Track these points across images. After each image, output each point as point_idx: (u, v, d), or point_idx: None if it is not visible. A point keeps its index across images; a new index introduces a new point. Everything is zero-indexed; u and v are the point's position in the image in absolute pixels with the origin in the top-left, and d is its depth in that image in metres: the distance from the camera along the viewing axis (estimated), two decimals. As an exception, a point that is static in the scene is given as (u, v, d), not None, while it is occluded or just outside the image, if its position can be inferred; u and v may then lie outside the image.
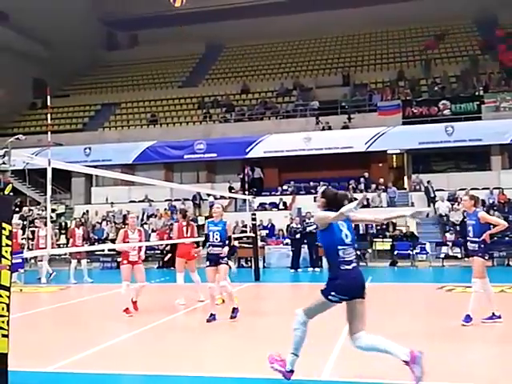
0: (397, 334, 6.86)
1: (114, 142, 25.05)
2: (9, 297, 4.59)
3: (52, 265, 15.74)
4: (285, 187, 23.19)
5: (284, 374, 4.75)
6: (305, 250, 16.88)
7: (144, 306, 8.57)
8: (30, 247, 16.53)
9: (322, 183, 22.61)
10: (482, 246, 7.17)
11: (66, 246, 14.56)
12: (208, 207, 21.72)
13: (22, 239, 14.81)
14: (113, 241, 19.71)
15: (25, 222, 20.96)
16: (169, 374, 5.26)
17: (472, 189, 17.71)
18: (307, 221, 17.14)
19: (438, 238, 18.43)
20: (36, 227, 13.94)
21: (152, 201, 23.41)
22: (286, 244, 17.88)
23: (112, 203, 23.67)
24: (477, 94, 23.28)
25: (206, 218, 17.39)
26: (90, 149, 24.75)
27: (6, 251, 4.60)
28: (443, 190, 20.84)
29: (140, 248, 8.93)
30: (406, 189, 23.03)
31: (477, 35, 30.53)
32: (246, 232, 16.86)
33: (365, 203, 20.61)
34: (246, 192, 19.52)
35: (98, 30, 37.01)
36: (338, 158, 21.92)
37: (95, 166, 16.35)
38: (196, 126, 26.19)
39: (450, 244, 17.54)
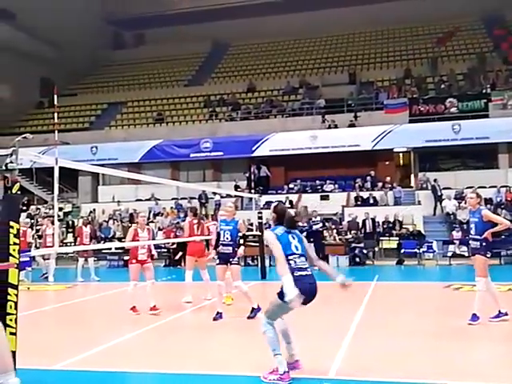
0: (403, 332, 6.85)
1: (121, 140, 25.12)
2: (17, 295, 4.61)
3: (59, 263, 15.81)
4: (291, 186, 23.17)
5: (282, 379, 4.72)
6: (311, 247, 16.85)
7: (147, 304, 8.59)
8: (38, 245, 16.61)
9: (328, 181, 22.65)
10: (484, 244, 7.12)
11: (75, 244, 14.60)
12: (214, 205, 21.79)
13: (32, 237, 14.89)
14: (120, 239, 19.78)
15: (32, 221, 21.08)
16: (173, 372, 5.28)
17: (479, 187, 17.65)
18: (313, 219, 17.13)
19: (445, 237, 18.35)
20: (43, 225, 14.02)
21: (158, 199, 23.46)
22: (293, 242, 17.83)
23: (119, 202, 23.74)
24: (484, 91, 23.16)
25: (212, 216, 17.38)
26: (96, 148, 24.83)
27: (14, 250, 4.62)
28: (450, 189, 20.77)
29: (149, 247, 8.95)
30: (412, 187, 22.95)
31: (484, 33, 30.37)
32: (252, 230, 16.87)
33: (371, 201, 20.59)
34: (252, 190, 19.54)
35: (105, 30, 37.10)
36: (344, 157, 21.86)
37: (102, 165, 16.42)
38: (202, 125, 26.21)
39: (457, 242, 17.47)
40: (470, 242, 7.42)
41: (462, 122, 21.15)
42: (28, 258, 11.96)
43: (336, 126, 23.23)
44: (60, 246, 14.24)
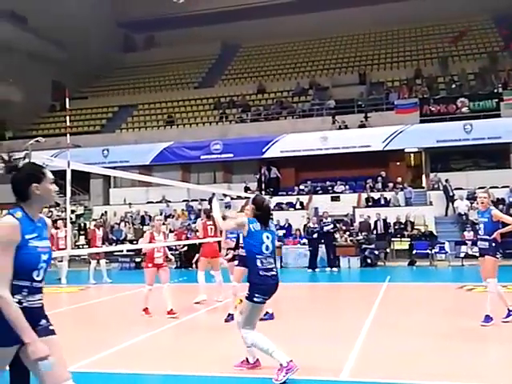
0: (416, 333, 6.82)
1: (132, 143, 25.24)
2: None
3: (71, 265, 15.92)
4: (301, 187, 23.14)
5: (290, 369, 4.74)
6: (322, 249, 16.83)
7: (163, 306, 8.61)
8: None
9: (338, 182, 22.59)
10: (493, 244, 7.05)
11: (88, 246, 14.69)
12: (224, 207, 21.80)
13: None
14: (131, 241, 19.88)
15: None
16: (186, 373, 5.29)
17: (491, 187, 17.47)
18: (324, 220, 17.09)
19: (458, 237, 18.22)
20: (56, 228, 14.10)
21: (169, 201, 23.54)
22: (304, 244, 17.83)
23: (130, 204, 23.86)
24: (495, 91, 22.98)
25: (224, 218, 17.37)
26: (107, 150, 24.97)
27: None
28: (462, 189, 20.61)
29: (165, 250, 8.97)
30: (424, 188, 22.82)
31: (495, 32, 30.14)
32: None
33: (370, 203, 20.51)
34: (263, 192, 19.55)
35: (115, 33, 37.35)
36: (354, 157, 21.80)
37: (113, 168, 16.53)
38: (212, 127, 26.27)
39: (469, 243, 17.33)
40: (479, 242, 7.35)
41: (473, 121, 21.00)
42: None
43: (346, 127, 23.17)
44: (72, 248, 14.34)
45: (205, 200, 22.69)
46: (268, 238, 5.01)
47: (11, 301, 2.59)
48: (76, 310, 10.16)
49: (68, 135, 6.64)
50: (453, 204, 20.15)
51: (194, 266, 16.39)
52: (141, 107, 30.32)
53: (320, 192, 22.59)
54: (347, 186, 22.49)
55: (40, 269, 2.77)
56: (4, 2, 27.26)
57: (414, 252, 17.48)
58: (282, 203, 21.88)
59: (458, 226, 19.31)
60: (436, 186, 21.38)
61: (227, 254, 9.07)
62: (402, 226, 19.02)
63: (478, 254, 7.53)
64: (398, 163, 23.64)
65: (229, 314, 7.86)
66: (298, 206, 21.55)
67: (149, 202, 24.46)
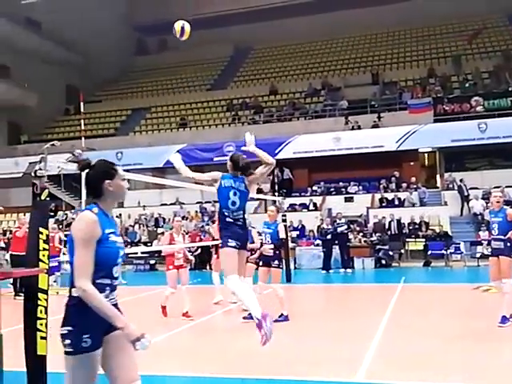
0: (432, 334, 6.77)
1: (145, 146, 25.38)
2: (46, 300, 4.70)
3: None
4: (315, 188, 23.09)
5: (263, 319, 4.73)
6: (336, 250, 16.78)
7: (180, 307, 8.64)
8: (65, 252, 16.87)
9: (352, 183, 22.50)
10: (509, 244, 6.98)
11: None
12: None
13: (60, 243, 15.11)
14: (145, 243, 19.99)
15: (60, 226, 21.44)
16: (202, 375, 5.31)
17: (507, 186, 17.31)
18: (338, 221, 17.04)
19: (473, 238, 18.05)
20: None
21: (183, 203, 23.62)
22: (317, 245, 17.79)
23: (144, 206, 23.99)
24: (510, 89, 22.72)
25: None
26: (121, 153, 25.12)
27: (44, 255, 4.72)
28: (477, 189, 20.40)
29: (185, 251, 9.03)
30: (438, 187, 22.65)
31: (510, 30, 29.82)
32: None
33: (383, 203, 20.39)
34: (276, 193, 19.54)
35: (128, 36, 37.59)
36: (368, 158, 21.69)
37: (127, 170, 16.60)
38: (225, 129, 26.32)
39: (485, 243, 17.16)
40: (493, 242, 7.28)
41: (488, 120, 20.80)
42: (57, 263, 12.19)
43: (359, 127, 23.08)
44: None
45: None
46: (235, 194, 5.28)
47: (95, 292, 2.63)
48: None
49: (83, 138, 6.73)
50: (468, 204, 19.97)
51: (208, 267, 16.44)
52: (154, 110, 30.49)
53: (333, 193, 22.52)
54: (361, 187, 22.39)
55: (118, 264, 2.82)
56: (19, 7, 27.60)
57: (429, 252, 17.35)
58: (296, 204, 21.85)
59: (474, 226, 19.12)
60: (451, 185, 21.20)
61: (253, 254, 9.13)
62: (417, 226, 18.90)
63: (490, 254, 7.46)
64: (412, 163, 23.48)
65: (249, 314, 7.90)
66: (311, 207, 21.50)
67: (162, 204, 24.57)
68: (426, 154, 24.29)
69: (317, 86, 28.20)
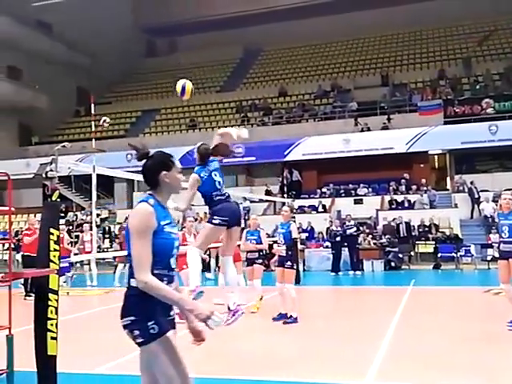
0: (442, 337, 6.72)
1: (155, 147, 25.30)
2: (57, 300, 4.72)
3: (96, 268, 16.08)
4: (324, 190, 23.04)
5: (194, 291, 5.21)
6: (345, 252, 16.72)
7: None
8: (76, 252, 16.98)
9: (361, 185, 22.43)
10: None
11: (120, 249, 14.85)
12: (243, 212, 21.84)
13: (69, 244, 15.20)
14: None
15: (70, 227, 21.56)
16: (215, 376, 5.31)
17: (518, 189, 17.08)
18: (347, 223, 16.99)
19: (484, 240, 17.93)
20: (81, 232, 14.31)
21: (192, 205, 23.61)
22: (326, 247, 17.74)
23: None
24: (521, 91, 22.59)
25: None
26: (131, 155, 25.20)
27: (55, 256, 4.74)
28: (488, 191, 20.25)
29: None
30: (448, 190, 22.52)
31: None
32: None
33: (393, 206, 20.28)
34: (285, 195, 19.52)
35: (138, 38, 37.77)
36: (377, 160, 21.62)
37: (137, 172, 16.69)
38: (234, 130, 26.31)
39: (495, 245, 17.03)
40: (502, 245, 7.22)
41: (499, 122, 20.67)
42: (67, 264, 12.26)
43: (369, 129, 23.02)
44: (98, 251, 14.51)
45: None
46: (216, 175, 5.49)
47: (156, 282, 2.62)
48: (102, 312, 10.27)
49: (94, 140, 6.79)
50: (478, 206, 19.84)
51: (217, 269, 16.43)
52: (163, 111, 30.60)
53: (343, 195, 22.46)
54: (370, 189, 22.31)
55: (174, 255, 2.81)
56: (30, 10, 27.83)
57: (439, 255, 17.24)
58: (305, 206, 21.82)
59: (484, 228, 18.99)
60: (461, 188, 21.07)
61: (260, 255, 9.14)
62: (427, 228, 18.79)
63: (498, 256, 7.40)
64: (422, 165, 23.37)
65: (279, 314, 7.97)
66: (320, 209, 21.45)
67: (172, 206, 24.60)
68: (436, 156, 24.17)
69: (326, 87, 28.17)
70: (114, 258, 16.77)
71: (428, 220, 18.98)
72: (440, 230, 18.65)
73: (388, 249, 17.28)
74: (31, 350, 4.59)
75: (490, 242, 17.36)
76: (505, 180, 20.08)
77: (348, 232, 16.57)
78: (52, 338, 4.63)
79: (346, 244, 16.62)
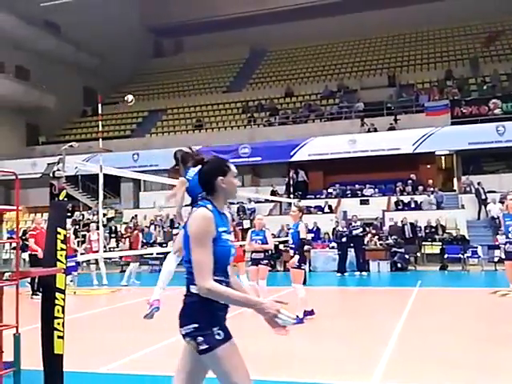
0: (448, 338, 6.70)
1: (161, 147, 25.51)
2: (64, 299, 4.74)
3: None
4: (330, 190, 23.00)
5: (151, 306, 5.60)
6: (351, 253, 16.69)
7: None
8: (83, 251, 17.05)
9: (368, 186, 22.38)
10: None
11: (130, 249, 14.90)
12: (249, 213, 21.86)
13: (76, 243, 15.29)
14: (161, 244, 20.09)
15: (76, 227, 21.65)
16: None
17: (526, 190, 16.96)
18: (353, 224, 16.96)
19: (490, 241, 17.83)
20: (88, 231, 14.37)
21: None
22: (332, 247, 17.72)
23: (160, 207, 24.11)
24: (529, 91, 22.48)
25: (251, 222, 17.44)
26: (137, 155, 25.31)
27: (61, 255, 4.76)
28: (495, 192, 20.14)
29: None
30: (455, 191, 22.43)
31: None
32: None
33: (399, 206, 20.21)
34: (291, 195, 19.50)
35: (145, 38, 37.88)
36: (384, 160, 21.57)
37: (143, 172, 16.73)
38: (241, 130, 26.36)
39: (502, 246, 16.93)
40: (507, 246, 7.20)
41: (506, 123, 20.57)
42: (74, 263, 12.31)
43: (375, 130, 22.96)
44: (104, 251, 14.55)
45: (233, 203, 22.79)
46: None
47: (219, 287, 2.58)
48: (109, 311, 10.32)
49: (100, 140, 6.81)
50: (485, 207, 19.75)
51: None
52: (170, 112, 30.66)
53: (349, 195, 22.41)
54: (376, 190, 22.26)
55: (230, 263, 2.76)
56: (38, 10, 27.95)
57: (446, 256, 17.17)
58: (311, 207, 21.78)
59: (491, 229, 18.89)
60: (468, 188, 20.98)
61: (266, 255, 9.15)
62: (433, 229, 18.73)
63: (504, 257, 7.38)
64: (429, 166, 23.29)
65: (306, 312, 7.98)
66: (326, 210, 21.41)
67: (178, 206, 24.63)
68: (443, 157, 24.08)
69: (333, 88, 28.13)
70: (121, 257, 16.84)
71: (435, 221, 18.92)
72: (447, 231, 18.59)
73: (394, 249, 17.23)
74: (38, 348, 4.61)
75: (496, 243, 17.27)
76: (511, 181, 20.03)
77: (354, 233, 16.54)
78: (59, 337, 4.65)
79: (352, 245, 16.59)
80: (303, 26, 33.00)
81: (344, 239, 16.53)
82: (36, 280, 11.31)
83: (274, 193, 22.47)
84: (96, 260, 14.81)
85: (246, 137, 25.01)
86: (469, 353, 5.99)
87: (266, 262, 9.25)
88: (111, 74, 33.47)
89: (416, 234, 18.39)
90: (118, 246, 21.48)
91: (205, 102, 30.35)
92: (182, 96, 32.35)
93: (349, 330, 7.55)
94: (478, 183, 20.27)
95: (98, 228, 13.36)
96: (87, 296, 12.70)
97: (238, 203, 22.71)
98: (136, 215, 24.13)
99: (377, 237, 18.04)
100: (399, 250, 17.16)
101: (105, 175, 6.45)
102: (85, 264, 17.16)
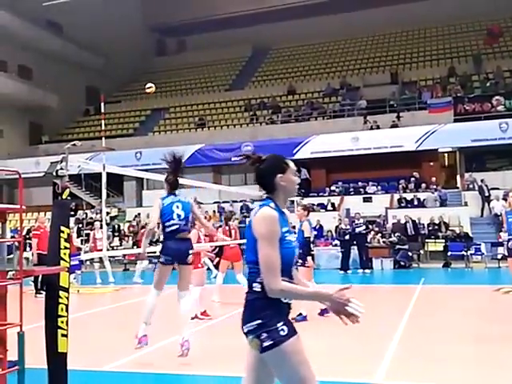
0: (451, 336, 6.70)
1: (164, 145, 25.50)
2: (67, 298, 4.75)
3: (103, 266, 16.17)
4: (333, 188, 22.98)
5: (139, 343, 5.61)
6: (354, 251, 16.69)
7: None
8: (86, 249, 17.08)
9: (370, 183, 22.35)
10: None
11: (137, 247, 14.97)
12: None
13: (80, 242, 15.33)
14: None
15: (80, 225, 21.69)
16: (219, 374, 5.33)
17: (529, 187, 16.91)
18: (356, 221, 16.95)
19: (494, 239, 17.79)
20: (91, 230, 14.40)
21: (201, 203, 23.68)
22: (335, 245, 17.72)
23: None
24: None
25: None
26: (140, 153, 25.33)
27: (65, 254, 4.77)
28: (498, 189, 20.10)
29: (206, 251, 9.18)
30: (458, 188, 22.39)
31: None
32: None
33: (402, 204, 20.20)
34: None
35: (148, 37, 37.90)
36: (387, 158, 21.53)
37: (146, 170, 16.77)
38: (243, 129, 26.36)
39: (505, 244, 16.88)
40: (510, 243, 7.19)
41: (509, 120, 20.51)
42: (77, 262, 12.34)
43: (378, 127, 22.93)
44: (108, 249, 14.57)
45: (236, 201, 22.82)
46: (178, 207, 5.70)
47: (289, 286, 2.54)
48: (112, 309, 10.34)
49: (103, 139, 6.84)
50: (489, 204, 19.71)
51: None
52: (173, 110, 30.67)
53: (352, 193, 22.39)
54: (379, 187, 22.23)
55: (293, 265, 2.69)
56: (40, 10, 27.99)
57: (449, 254, 17.15)
58: (314, 204, 21.75)
59: (495, 226, 18.85)
60: (471, 186, 20.94)
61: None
62: (437, 226, 18.70)
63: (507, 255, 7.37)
64: (432, 163, 23.24)
65: (321, 310, 7.94)
66: (329, 207, 21.40)
67: (181, 204, 24.66)
68: (446, 154, 24.03)
69: (335, 85, 28.09)
70: (124, 255, 16.87)
71: (438, 218, 18.89)
72: (450, 229, 18.56)
73: (397, 247, 17.22)
74: (42, 347, 4.62)
75: (500, 240, 17.22)
76: (515, 178, 19.98)
77: (357, 230, 16.54)
78: (63, 336, 4.66)
79: (355, 242, 16.59)
80: (305, 23, 32.94)
81: (347, 237, 16.53)
82: (39, 279, 11.34)
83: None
84: (100, 258, 14.86)
85: (249, 135, 25.00)
86: (472, 351, 5.99)
87: None
88: (114, 73, 33.49)
89: (419, 232, 18.37)
90: (121, 245, 21.53)
91: (207, 100, 30.35)
92: (184, 94, 32.36)
93: (351, 328, 7.54)
94: (482, 180, 20.23)
95: (102, 227, 13.40)
96: (91, 294, 12.74)
97: (241, 201, 22.74)
98: (139, 213, 24.16)
99: (380, 234, 18.03)
100: (402, 248, 17.15)
101: (108, 174, 6.48)
102: (88, 262, 17.18)
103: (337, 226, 18.54)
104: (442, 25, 31.54)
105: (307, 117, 25.86)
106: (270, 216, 2.58)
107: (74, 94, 31.30)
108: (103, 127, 7.73)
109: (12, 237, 20.77)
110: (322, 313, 7.88)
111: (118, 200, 26.54)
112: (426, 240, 18.23)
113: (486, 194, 19.87)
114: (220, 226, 19.96)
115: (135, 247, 17.72)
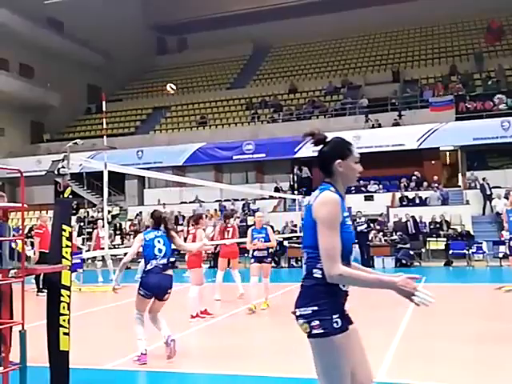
0: (453, 336, 6.69)
1: (165, 144, 25.54)
2: (69, 296, 4.76)
3: (104, 265, 16.18)
4: (334, 186, 22.93)
5: (139, 360, 5.57)
6: (356, 249, 16.67)
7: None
8: (88, 248, 17.09)
9: (372, 182, 22.33)
10: None
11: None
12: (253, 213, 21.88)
13: (81, 240, 15.33)
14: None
15: (81, 224, 21.71)
16: (220, 372, 5.33)
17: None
18: (358, 220, 16.94)
19: (495, 237, 17.78)
20: (93, 228, 14.40)
21: (202, 201, 23.72)
22: (337, 244, 17.67)
23: (164, 204, 24.12)
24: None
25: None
26: (142, 152, 25.34)
27: (67, 252, 4.78)
28: (500, 188, 20.09)
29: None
30: (460, 186, 22.36)
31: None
32: (295, 232, 16.85)
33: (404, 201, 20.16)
34: (295, 191, 19.50)
35: (149, 36, 37.88)
36: (388, 156, 21.52)
37: (147, 169, 16.78)
38: (244, 127, 26.35)
39: (507, 242, 16.87)
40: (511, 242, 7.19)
41: (511, 118, 20.48)
42: (79, 260, 12.35)
43: (380, 126, 22.91)
44: (109, 248, 14.57)
45: (237, 200, 22.83)
46: (159, 242, 5.75)
47: (350, 271, 2.46)
48: (113, 308, 10.34)
49: (105, 137, 6.84)
50: (490, 203, 19.70)
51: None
52: (174, 109, 30.66)
53: (353, 191, 22.31)
54: (381, 186, 22.21)
55: (352, 250, 2.61)
56: (41, 8, 27.99)
57: (451, 252, 17.14)
58: (315, 203, 21.74)
59: (496, 225, 18.84)
60: (473, 184, 20.92)
61: (269, 252, 9.19)
62: (438, 225, 18.68)
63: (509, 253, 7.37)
64: (433, 162, 23.23)
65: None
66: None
67: (182, 203, 24.70)
68: (447, 153, 24.01)
69: (337, 84, 28.05)
70: (126, 254, 16.71)
71: (439, 217, 18.87)
72: (451, 227, 18.54)
73: (399, 245, 17.21)
74: (44, 345, 4.63)
75: (502, 238, 17.22)
76: (517, 176, 19.96)
77: (359, 229, 16.52)
78: (64, 334, 4.67)
79: (356, 241, 16.56)
80: (307, 22, 32.90)
81: (348, 235, 16.49)
82: (41, 277, 11.35)
83: (277, 189, 22.46)
84: (102, 257, 14.86)
85: (250, 133, 25.00)
86: (473, 350, 5.98)
87: (270, 260, 9.28)
88: (115, 72, 33.49)
89: (420, 230, 18.35)
90: (122, 243, 21.54)
91: (208, 98, 30.34)
92: (185, 93, 32.34)
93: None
94: (483, 179, 20.20)
95: (103, 225, 13.41)
96: (92, 293, 12.74)
97: (242, 200, 22.75)
98: (140, 212, 24.18)
99: (381, 233, 18.02)
100: (404, 246, 17.14)
101: (109, 172, 6.47)
102: (90, 261, 17.20)
103: (338, 225, 18.50)
104: (444, 23, 31.49)
105: (309, 115, 25.83)
106: (332, 199, 2.52)
107: (76, 93, 31.31)
108: (105, 126, 7.73)
109: (13, 235, 20.83)
110: None
111: (120, 198, 26.56)
112: (428, 238, 18.21)
113: (488, 193, 19.85)
114: (221, 224, 20.07)
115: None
